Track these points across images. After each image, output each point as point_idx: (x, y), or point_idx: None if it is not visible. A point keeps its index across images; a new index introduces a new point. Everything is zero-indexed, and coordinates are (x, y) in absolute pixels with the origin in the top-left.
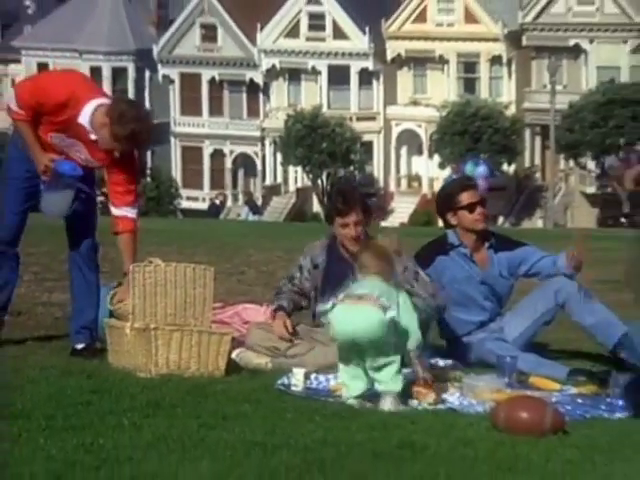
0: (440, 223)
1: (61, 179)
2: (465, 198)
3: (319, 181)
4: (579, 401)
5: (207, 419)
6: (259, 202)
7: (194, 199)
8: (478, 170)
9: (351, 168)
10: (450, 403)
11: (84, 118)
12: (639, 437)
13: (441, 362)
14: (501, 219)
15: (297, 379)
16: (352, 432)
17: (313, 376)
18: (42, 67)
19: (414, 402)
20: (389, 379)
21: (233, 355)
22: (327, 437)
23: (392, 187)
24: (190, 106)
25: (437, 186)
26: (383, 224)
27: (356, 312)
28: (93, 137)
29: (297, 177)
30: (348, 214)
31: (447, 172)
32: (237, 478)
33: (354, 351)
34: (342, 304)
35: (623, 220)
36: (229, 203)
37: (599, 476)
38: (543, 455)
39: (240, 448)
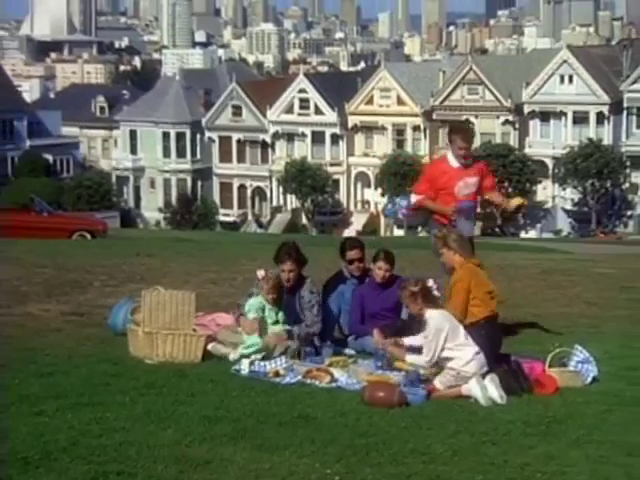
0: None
1: (465, 213)
2: (350, 255)
3: (305, 204)
4: (422, 379)
5: (181, 396)
6: (267, 218)
7: (227, 215)
8: (403, 202)
9: (325, 196)
10: (340, 382)
11: (453, 162)
12: (433, 407)
13: (344, 350)
14: (419, 228)
15: (244, 366)
16: (270, 405)
17: (257, 362)
18: (132, 132)
19: (316, 382)
20: None
21: (209, 347)
22: (253, 410)
23: (352, 208)
24: (225, 157)
25: (380, 207)
26: (346, 232)
27: None
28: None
29: (292, 201)
30: (283, 262)
31: (385, 199)
32: (188, 443)
33: None
34: None
35: (497, 230)
36: (249, 217)
37: (422, 437)
38: (387, 423)
39: (195, 420)
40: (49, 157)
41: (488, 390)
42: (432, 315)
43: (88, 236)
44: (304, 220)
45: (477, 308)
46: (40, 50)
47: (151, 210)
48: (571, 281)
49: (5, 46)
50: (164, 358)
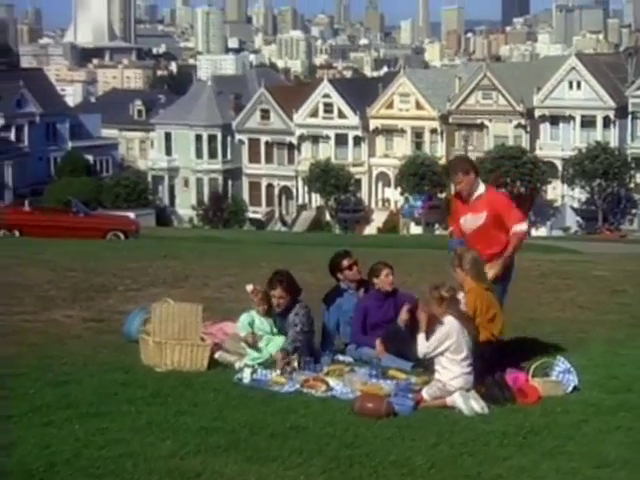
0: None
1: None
2: (346, 263)
3: (329, 202)
4: (412, 388)
5: (183, 406)
6: (293, 215)
7: (255, 212)
8: (417, 203)
9: (348, 194)
10: (335, 391)
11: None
12: (419, 417)
13: (341, 357)
14: (436, 225)
15: (246, 374)
16: (265, 416)
17: (259, 371)
18: (167, 135)
19: (312, 391)
20: None
21: (216, 355)
22: (248, 421)
23: (373, 206)
24: (254, 157)
25: (399, 205)
26: (367, 229)
27: None
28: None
29: (317, 200)
30: (274, 288)
31: (403, 197)
32: (183, 455)
33: None
34: None
35: None
36: (276, 216)
37: (404, 448)
38: (373, 434)
39: (193, 431)
40: (90, 158)
41: (470, 402)
42: (449, 321)
43: (121, 236)
44: (328, 217)
45: (477, 334)
46: (83, 56)
47: (185, 208)
48: (567, 284)
49: (50, 53)
50: (172, 366)
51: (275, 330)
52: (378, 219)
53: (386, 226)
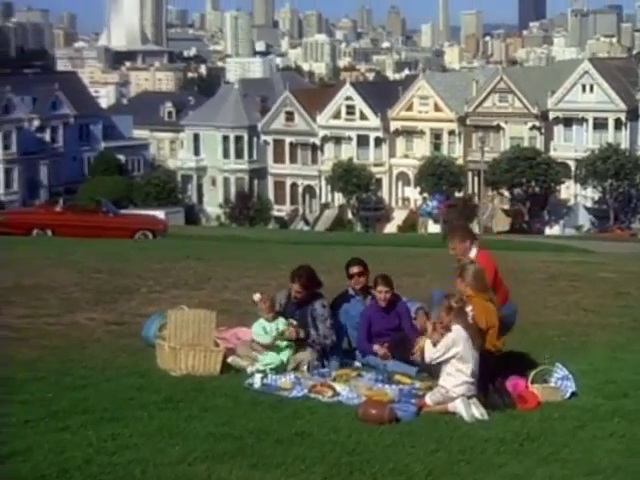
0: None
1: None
2: (350, 270)
3: (351, 201)
4: (415, 393)
5: (194, 411)
6: (317, 213)
7: (280, 210)
8: (433, 202)
9: (369, 193)
10: (341, 396)
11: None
12: (421, 423)
13: (349, 362)
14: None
15: (256, 379)
16: (272, 421)
17: (270, 376)
18: (196, 135)
19: (319, 396)
20: None
21: (229, 360)
22: (255, 427)
23: (393, 204)
24: (278, 157)
25: (418, 204)
26: (388, 227)
27: None
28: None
29: (339, 198)
30: (294, 282)
31: (421, 197)
32: (191, 462)
33: None
34: None
35: (524, 226)
36: (299, 214)
37: (403, 455)
38: (375, 440)
39: (202, 437)
40: (122, 157)
41: (471, 408)
42: (457, 329)
43: (150, 235)
44: (350, 215)
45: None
46: (116, 59)
47: (212, 206)
48: (573, 287)
49: (85, 56)
50: (186, 371)
51: (282, 327)
52: (398, 217)
53: (406, 224)
